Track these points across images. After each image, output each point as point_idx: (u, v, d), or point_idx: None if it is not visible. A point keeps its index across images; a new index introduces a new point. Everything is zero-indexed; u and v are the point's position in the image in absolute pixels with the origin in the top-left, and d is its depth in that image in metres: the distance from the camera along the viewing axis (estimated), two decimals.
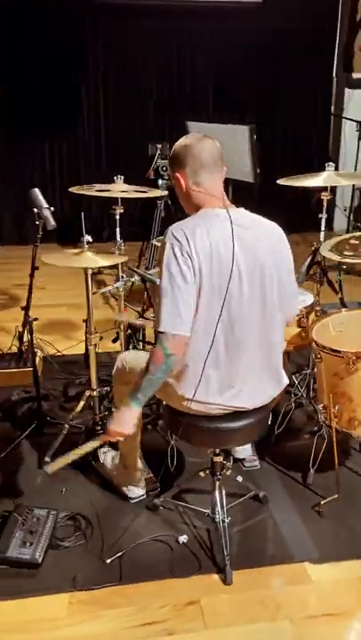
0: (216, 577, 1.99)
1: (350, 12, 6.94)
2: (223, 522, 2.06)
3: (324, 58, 6.89)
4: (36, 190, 2.39)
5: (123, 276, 2.54)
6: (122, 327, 2.69)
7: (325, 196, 2.59)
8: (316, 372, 2.26)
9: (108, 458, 2.53)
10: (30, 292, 2.61)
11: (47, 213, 2.36)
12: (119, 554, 2.06)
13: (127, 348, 2.89)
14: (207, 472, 2.17)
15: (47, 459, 2.57)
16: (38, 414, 2.84)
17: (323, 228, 2.67)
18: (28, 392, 3.19)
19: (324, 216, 2.64)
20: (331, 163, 2.57)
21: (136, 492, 2.36)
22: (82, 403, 2.62)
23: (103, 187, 2.64)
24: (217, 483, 2.13)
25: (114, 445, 2.50)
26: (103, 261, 2.30)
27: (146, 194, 2.59)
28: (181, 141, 1.86)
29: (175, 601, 1.90)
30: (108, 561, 2.04)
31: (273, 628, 1.80)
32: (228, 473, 2.16)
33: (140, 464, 2.35)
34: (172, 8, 5.88)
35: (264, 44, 6.13)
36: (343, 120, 6.96)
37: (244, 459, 2.57)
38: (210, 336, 1.75)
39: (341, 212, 7.44)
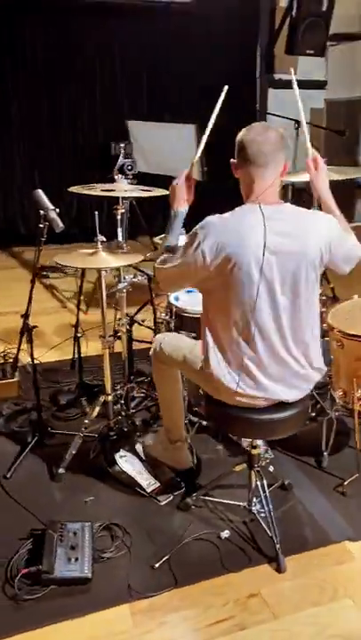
0: (268, 567, 2.02)
1: (270, 16, 7.25)
2: (270, 512, 2.09)
3: (248, 58, 7.14)
4: (40, 191, 2.28)
5: (125, 277, 2.49)
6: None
7: None
8: (335, 358, 2.35)
9: (150, 441, 2.55)
10: (30, 299, 2.49)
11: (54, 215, 2.26)
12: (166, 557, 2.03)
13: None
14: (242, 465, 2.20)
15: (61, 470, 2.47)
16: (40, 426, 2.71)
17: None
18: (19, 404, 3.05)
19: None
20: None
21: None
22: (97, 408, 2.54)
23: (106, 186, 2.57)
24: (255, 474, 2.16)
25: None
26: (118, 261, 2.24)
27: (151, 192, 2.55)
28: (244, 130, 1.85)
29: (236, 596, 1.91)
30: (157, 565, 2.01)
31: (338, 608, 1.86)
32: (264, 464, 2.19)
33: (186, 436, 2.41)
34: (97, 6, 5.82)
35: (192, 44, 6.26)
36: (270, 119, 7.25)
37: None
38: (248, 331, 1.79)
39: None
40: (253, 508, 2.19)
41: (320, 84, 8.02)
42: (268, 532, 2.08)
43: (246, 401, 1.88)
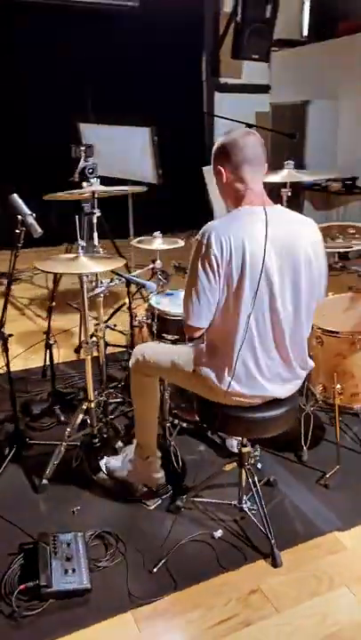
0: (264, 562, 2.05)
1: (214, 21, 7.36)
2: (263, 508, 2.12)
3: (194, 62, 7.23)
4: (16, 196, 2.22)
5: (102, 282, 2.46)
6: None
7: (285, 192, 2.76)
8: (314, 355, 2.41)
9: (115, 462, 2.47)
10: (6, 306, 2.42)
11: (32, 220, 2.20)
12: (163, 561, 2.03)
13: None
14: (232, 464, 2.22)
15: (45, 481, 2.42)
16: (17, 437, 2.64)
17: None
18: None
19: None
20: (290, 161, 2.75)
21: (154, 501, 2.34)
22: (80, 416, 2.49)
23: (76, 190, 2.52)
24: (245, 472, 2.19)
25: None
26: (98, 267, 2.20)
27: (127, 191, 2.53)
28: (226, 136, 1.87)
29: (237, 594, 1.92)
30: (155, 570, 2.00)
31: (335, 597, 1.91)
32: (253, 462, 2.23)
33: (157, 451, 2.36)
34: (49, 7, 5.75)
35: (140, 46, 6.28)
36: (216, 122, 7.38)
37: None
38: (244, 329, 1.81)
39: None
40: (245, 506, 2.22)
41: (264, 89, 8.22)
42: (261, 528, 2.11)
43: (243, 400, 1.90)
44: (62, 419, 2.95)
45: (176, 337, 2.37)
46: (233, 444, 2.64)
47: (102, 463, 2.49)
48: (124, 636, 1.78)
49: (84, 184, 3.59)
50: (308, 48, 7.58)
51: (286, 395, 1.96)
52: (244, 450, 2.16)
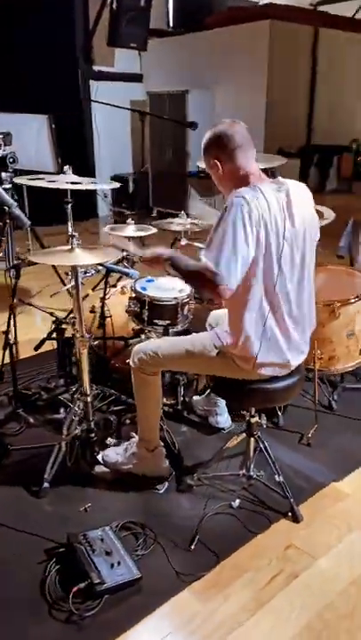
0: (285, 520, 2.20)
1: (84, 7, 7.22)
2: (278, 471, 2.26)
3: (69, 49, 7.06)
4: None
5: (85, 271, 2.39)
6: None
7: None
8: None
9: (114, 455, 2.44)
10: None
11: (18, 211, 2.07)
12: (197, 537, 2.08)
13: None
14: (241, 435, 2.33)
15: (45, 484, 2.32)
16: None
17: None
18: None
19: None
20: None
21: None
22: (79, 412, 2.41)
23: (53, 177, 2.40)
24: (255, 441, 2.31)
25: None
26: (95, 259, 2.14)
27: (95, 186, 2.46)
28: (213, 129, 1.94)
29: (275, 552, 2.05)
30: (193, 547, 2.05)
31: (356, 538, 2.12)
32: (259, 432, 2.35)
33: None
34: None
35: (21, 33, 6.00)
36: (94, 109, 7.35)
37: (223, 428, 2.77)
38: (271, 300, 1.90)
39: (102, 198, 7.83)
40: (255, 474, 2.35)
41: (137, 77, 8.28)
42: (276, 490, 2.26)
43: (268, 372, 2.01)
44: (32, 421, 2.82)
45: (168, 322, 2.40)
46: (218, 420, 2.75)
47: (100, 457, 2.44)
48: (190, 613, 1.81)
49: (3, 174, 3.41)
50: (180, 39, 7.79)
51: (299, 363, 2.11)
52: (253, 420, 2.28)
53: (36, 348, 3.00)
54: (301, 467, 2.51)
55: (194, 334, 2.23)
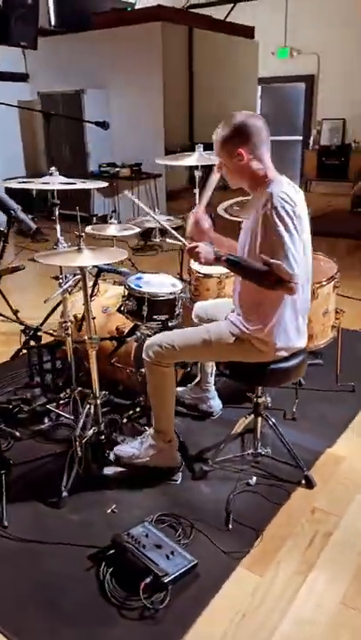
0: (301, 488, 2.37)
1: None
2: (287, 442, 2.42)
3: None
4: (1, 191, 1.96)
5: (67, 276, 2.35)
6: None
7: (198, 173, 3.00)
8: None
9: (129, 449, 2.45)
10: None
11: (23, 215, 1.99)
12: (231, 518, 2.17)
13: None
14: (250, 417, 2.46)
15: (65, 494, 2.27)
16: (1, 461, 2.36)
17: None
18: None
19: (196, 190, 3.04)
20: (200, 144, 2.97)
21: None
22: (89, 417, 2.36)
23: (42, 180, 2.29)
24: (262, 420, 2.45)
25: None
26: (104, 259, 2.13)
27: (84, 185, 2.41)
28: (240, 118, 2.01)
29: (304, 517, 2.21)
30: (231, 527, 2.14)
31: None
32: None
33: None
34: None
35: None
36: None
37: (212, 413, 2.88)
38: (301, 285, 2.05)
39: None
40: (263, 451, 2.49)
41: (22, 77, 8.02)
42: (288, 461, 2.43)
43: (283, 354, 2.16)
44: (18, 435, 2.71)
45: (166, 316, 2.44)
46: (211, 404, 2.85)
47: (113, 454, 2.43)
48: (251, 587, 1.90)
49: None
50: (67, 38, 7.66)
51: (304, 344, 2.28)
52: (260, 400, 2.42)
53: (13, 358, 2.87)
54: (295, 439, 2.67)
55: (205, 325, 2.31)
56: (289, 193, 1.95)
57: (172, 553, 1.94)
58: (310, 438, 2.70)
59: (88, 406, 2.36)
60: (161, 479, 2.41)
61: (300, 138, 10.17)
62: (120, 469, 2.44)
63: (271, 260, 1.89)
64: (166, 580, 1.84)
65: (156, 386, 2.32)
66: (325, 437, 2.72)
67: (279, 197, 1.92)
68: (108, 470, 2.44)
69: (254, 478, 2.40)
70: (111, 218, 2.92)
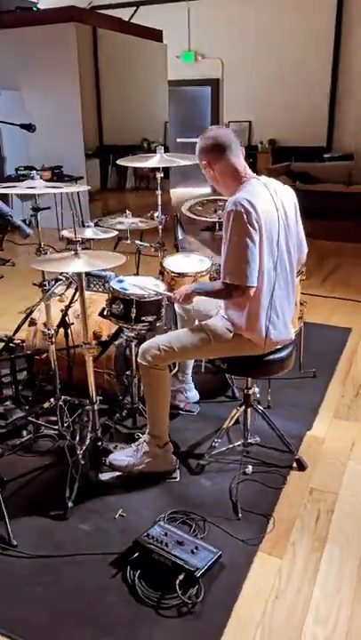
0: (294, 471, 2.49)
1: None
2: (277, 429, 2.53)
3: None
4: None
5: (51, 282, 2.29)
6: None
7: (159, 175, 3.01)
8: None
9: (123, 457, 2.43)
10: None
11: (19, 221, 1.91)
12: (239, 507, 2.24)
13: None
14: (241, 408, 2.54)
15: (70, 504, 2.22)
16: None
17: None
18: None
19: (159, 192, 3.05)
20: (161, 145, 2.98)
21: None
22: (91, 423, 2.31)
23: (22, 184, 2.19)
24: (253, 410, 2.54)
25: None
26: (103, 264, 2.10)
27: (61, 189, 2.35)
28: (209, 134, 2.15)
29: (304, 498, 2.33)
30: (240, 516, 2.21)
31: (355, 463, 2.53)
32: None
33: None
34: None
35: None
36: None
37: (190, 409, 2.93)
38: (272, 284, 2.16)
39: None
40: (253, 440, 2.58)
41: None
42: (278, 447, 2.54)
43: (276, 346, 2.27)
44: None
45: (154, 317, 2.45)
46: (189, 395, 2.93)
47: (108, 462, 2.41)
48: (275, 569, 1.98)
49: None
50: None
51: (291, 337, 2.39)
52: (250, 392, 2.51)
53: None
54: (277, 426, 2.81)
55: (198, 323, 2.36)
56: (249, 199, 2.03)
57: (196, 548, 1.97)
58: (290, 424, 2.84)
59: (85, 413, 2.32)
60: (159, 479, 2.43)
61: None
62: (117, 474, 2.43)
63: (226, 281, 2.09)
64: (198, 574, 1.87)
65: (152, 389, 2.33)
66: (303, 422, 2.87)
67: (237, 203, 2.02)
68: (105, 476, 2.42)
69: (250, 467, 2.48)
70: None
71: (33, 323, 2.89)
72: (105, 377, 2.83)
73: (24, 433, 2.73)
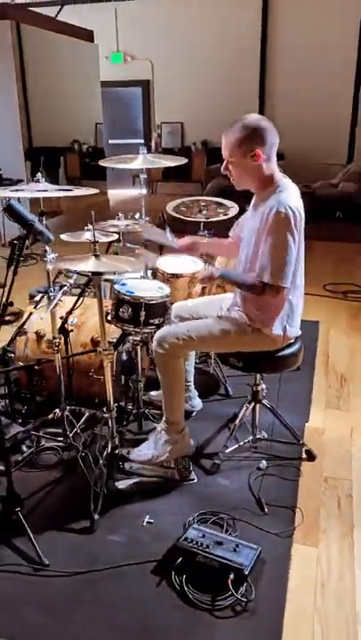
0: (305, 463, 2.55)
1: None
2: (287, 424, 2.59)
3: None
4: (15, 202, 1.75)
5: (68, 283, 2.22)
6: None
7: (143, 175, 2.98)
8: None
9: (147, 450, 2.43)
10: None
11: (41, 227, 1.82)
12: (263, 502, 2.27)
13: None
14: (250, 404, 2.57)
15: (97, 516, 2.15)
16: (13, 497, 2.14)
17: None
18: None
19: (143, 191, 3.01)
20: (144, 146, 2.94)
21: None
22: (102, 427, 2.24)
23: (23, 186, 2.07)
24: (259, 406, 2.58)
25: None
26: (125, 266, 2.05)
27: (71, 192, 2.25)
28: (255, 120, 2.10)
29: (321, 487, 2.40)
30: (267, 510, 2.24)
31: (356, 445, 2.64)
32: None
33: None
34: None
35: None
36: None
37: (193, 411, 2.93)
38: (295, 282, 2.22)
39: None
40: (262, 435, 2.62)
41: None
42: (286, 440, 2.61)
43: (292, 340, 2.32)
44: (2, 469, 2.46)
45: (161, 319, 2.43)
46: (193, 404, 2.90)
47: (131, 458, 2.37)
48: (313, 559, 2.03)
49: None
50: None
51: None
52: (259, 388, 2.55)
53: None
54: (285, 420, 2.86)
55: (215, 318, 2.37)
56: (298, 206, 2.10)
57: (237, 546, 1.98)
58: (288, 417, 2.86)
59: (99, 420, 2.26)
60: (176, 482, 2.41)
61: (142, 141, 10.45)
62: (133, 481, 2.39)
63: (264, 280, 2.10)
64: (247, 571, 1.88)
65: (170, 378, 2.34)
66: (300, 414, 2.95)
67: (286, 206, 2.06)
68: (122, 484, 2.37)
69: (264, 462, 2.52)
70: None
71: (23, 332, 2.76)
72: (102, 383, 2.76)
73: (24, 448, 2.61)
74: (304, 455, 2.58)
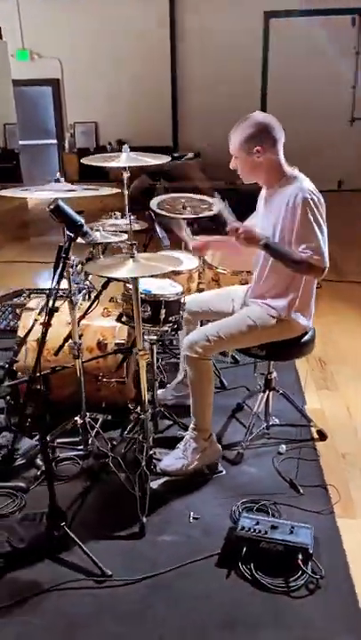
0: (318, 442, 2.66)
1: None
2: (298, 407, 2.68)
3: None
4: (62, 201, 1.65)
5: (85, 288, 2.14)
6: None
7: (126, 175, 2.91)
8: None
9: (174, 459, 2.40)
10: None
11: (87, 227, 1.74)
12: (297, 484, 2.35)
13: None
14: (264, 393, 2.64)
15: (145, 519, 2.11)
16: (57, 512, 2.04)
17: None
18: None
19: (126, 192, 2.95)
20: (126, 145, 2.88)
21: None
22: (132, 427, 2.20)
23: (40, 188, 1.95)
24: (272, 393, 2.66)
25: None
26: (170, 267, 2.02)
27: (97, 192, 2.16)
28: (263, 118, 2.17)
29: (341, 462, 2.53)
30: (302, 492, 2.32)
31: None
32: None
33: None
34: None
35: None
36: None
37: None
38: None
39: None
40: (275, 422, 2.70)
41: None
42: (299, 424, 2.71)
43: (308, 328, 2.43)
44: (23, 486, 2.35)
45: (177, 316, 2.42)
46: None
47: (161, 469, 2.34)
48: (359, 527, 2.15)
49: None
50: None
51: None
52: (271, 376, 2.62)
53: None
54: (279, 406, 2.87)
55: (239, 314, 2.41)
56: (311, 187, 2.19)
57: (293, 527, 2.03)
58: (284, 403, 3.00)
59: (139, 420, 2.22)
60: (205, 475, 2.43)
61: (55, 141, 10.17)
62: (165, 479, 2.37)
63: (315, 257, 2.11)
64: (311, 550, 1.95)
65: (201, 382, 2.34)
66: (297, 399, 3.04)
67: (310, 192, 2.15)
68: (155, 484, 2.34)
69: (283, 446, 2.60)
70: None
71: (23, 341, 2.62)
72: (110, 387, 2.70)
73: (38, 461, 2.49)
74: (316, 435, 2.70)
